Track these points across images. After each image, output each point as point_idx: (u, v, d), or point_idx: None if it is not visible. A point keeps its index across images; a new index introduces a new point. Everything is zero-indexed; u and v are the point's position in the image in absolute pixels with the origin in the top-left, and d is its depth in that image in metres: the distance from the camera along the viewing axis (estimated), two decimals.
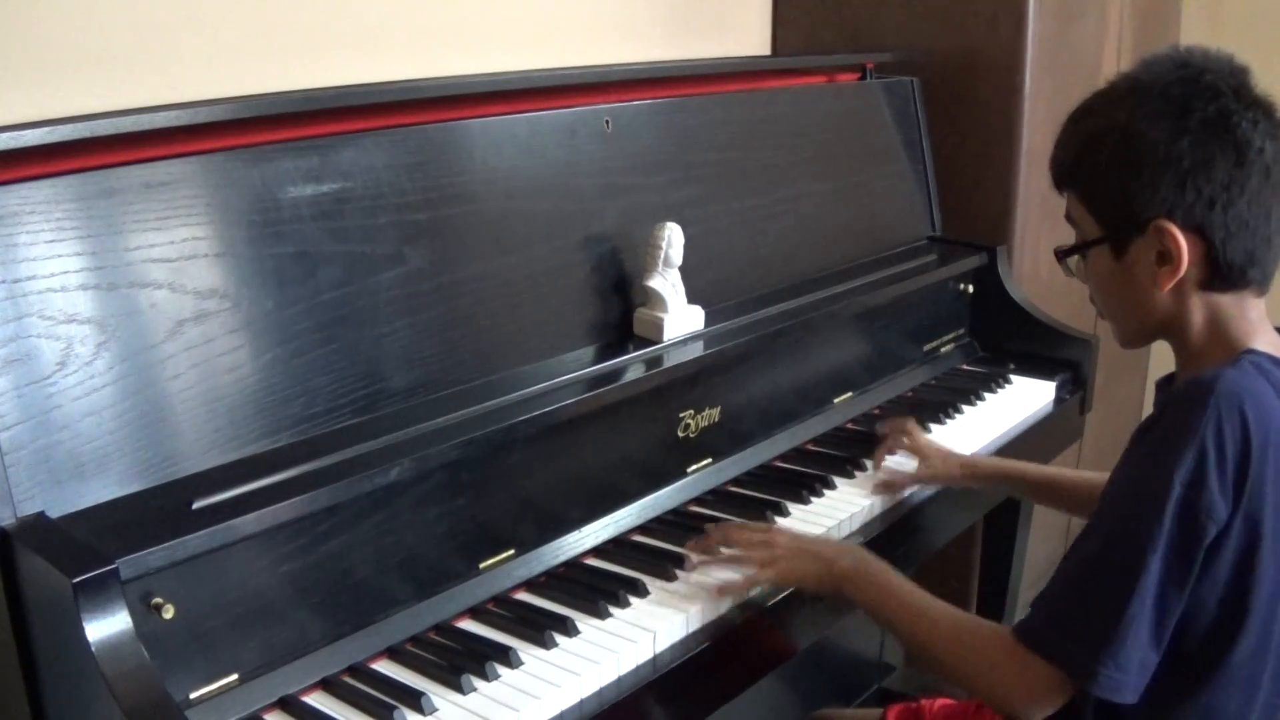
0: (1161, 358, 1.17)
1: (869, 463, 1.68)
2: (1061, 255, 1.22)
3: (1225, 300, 1.12)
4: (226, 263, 1.19)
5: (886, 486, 1.61)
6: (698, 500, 1.56)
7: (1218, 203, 1.07)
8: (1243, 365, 1.08)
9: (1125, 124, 1.10)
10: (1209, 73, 1.09)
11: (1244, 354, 1.10)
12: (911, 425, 1.69)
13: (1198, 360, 1.14)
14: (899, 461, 1.68)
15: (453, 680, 1.13)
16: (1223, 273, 1.10)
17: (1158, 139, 1.08)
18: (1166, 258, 1.10)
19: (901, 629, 1.23)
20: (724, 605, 1.30)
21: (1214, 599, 1.06)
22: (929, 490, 1.65)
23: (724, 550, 1.35)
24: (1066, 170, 1.18)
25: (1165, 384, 1.23)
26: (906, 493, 1.63)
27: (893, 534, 1.55)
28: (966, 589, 2.30)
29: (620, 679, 1.19)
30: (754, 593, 1.33)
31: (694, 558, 1.35)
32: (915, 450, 1.66)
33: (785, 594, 1.34)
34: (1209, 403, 1.03)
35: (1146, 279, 1.12)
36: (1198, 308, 1.12)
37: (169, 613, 1.02)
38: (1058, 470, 1.62)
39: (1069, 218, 1.20)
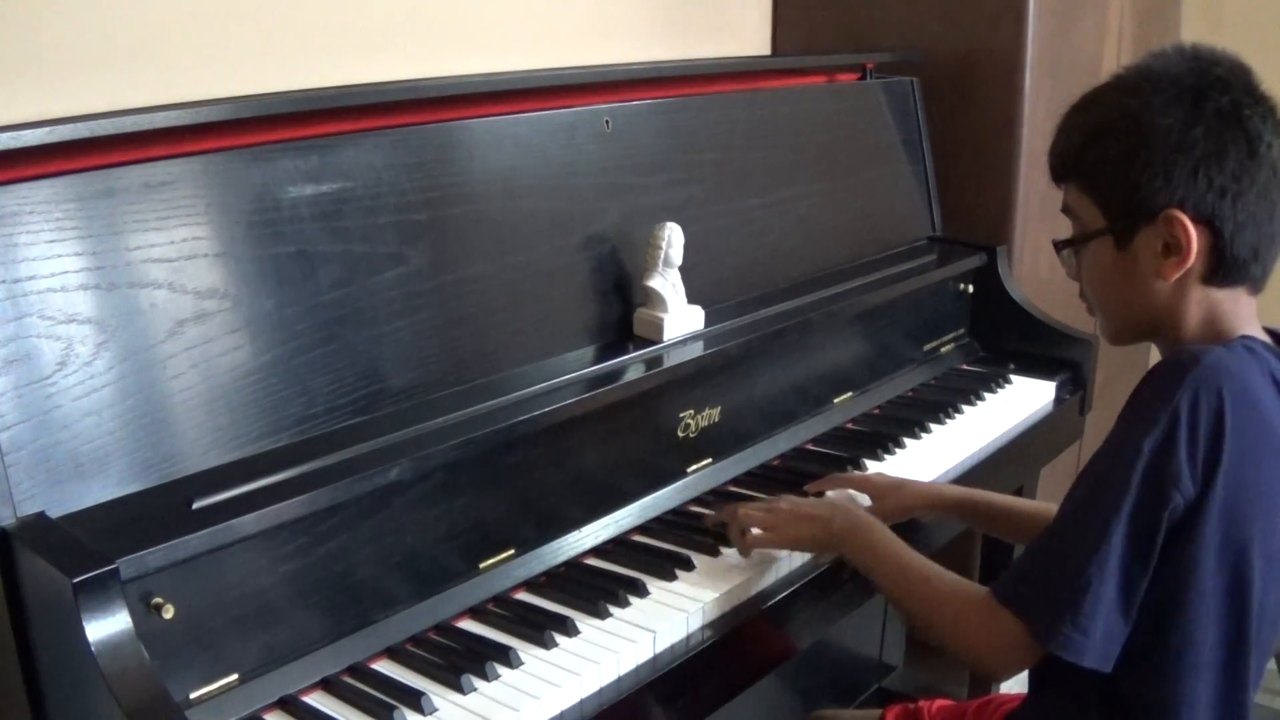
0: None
1: (868, 463, 1.68)
2: (1061, 246, 1.21)
3: (1221, 296, 1.12)
4: (226, 263, 1.19)
5: None
6: (698, 500, 1.56)
7: (1228, 193, 1.07)
8: (1235, 347, 1.08)
9: (1137, 112, 1.10)
10: (1219, 66, 1.10)
11: (1239, 338, 1.10)
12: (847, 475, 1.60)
13: None
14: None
15: (453, 680, 1.13)
16: (1227, 266, 1.10)
17: (1171, 127, 1.07)
18: (1174, 248, 1.09)
19: (885, 583, 1.29)
20: (726, 602, 1.30)
21: (1192, 582, 1.05)
22: None
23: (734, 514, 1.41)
24: (1070, 160, 1.17)
25: None
26: None
27: (894, 533, 1.55)
28: None
29: (620, 679, 1.19)
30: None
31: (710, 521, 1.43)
32: (865, 488, 1.54)
33: (784, 594, 1.35)
34: (1188, 376, 1.03)
35: (1149, 270, 1.12)
36: (1195, 301, 1.12)
37: (169, 613, 1.02)
38: (1019, 500, 1.58)
39: (1066, 210, 1.20)
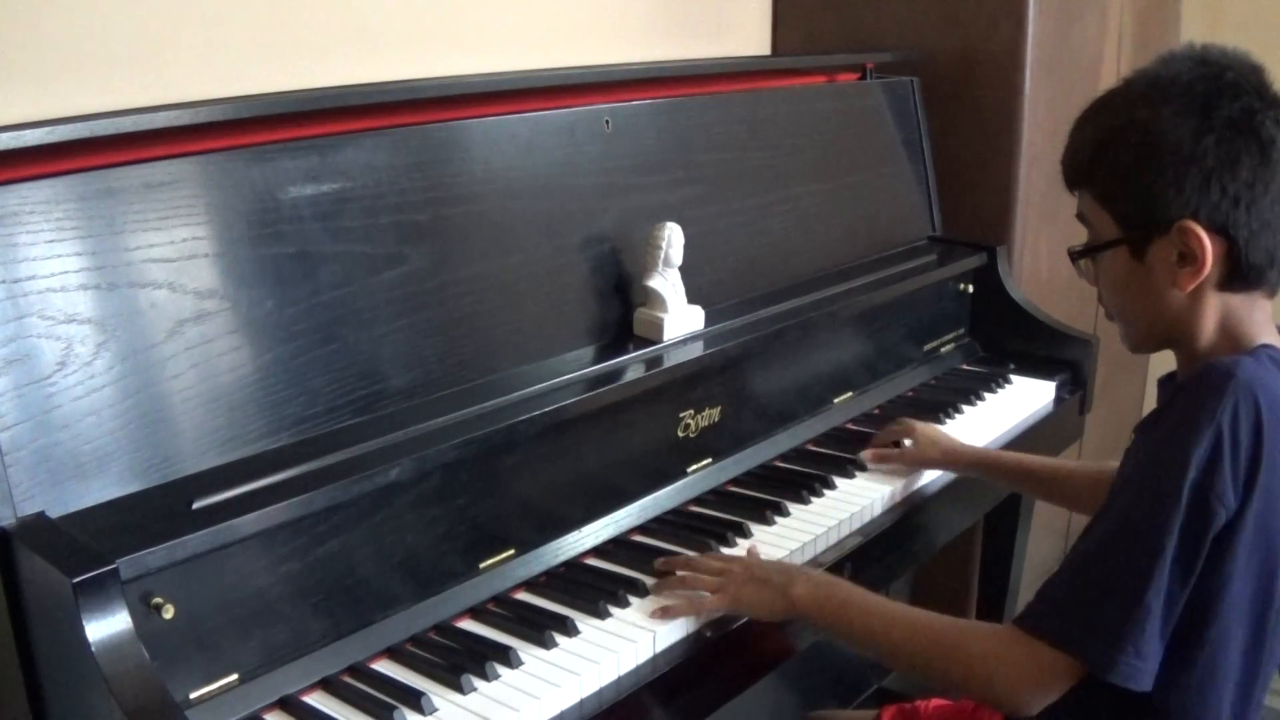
0: (1162, 357, 1.16)
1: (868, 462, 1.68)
2: (1076, 256, 1.19)
3: (1238, 301, 1.11)
4: (226, 263, 1.19)
5: (878, 458, 1.67)
6: (698, 500, 1.56)
7: (1242, 201, 1.06)
8: (1260, 357, 1.07)
9: (1147, 122, 1.08)
10: (1230, 70, 1.08)
11: (1260, 347, 1.09)
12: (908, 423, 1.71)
13: (1205, 360, 1.12)
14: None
15: (453, 680, 1.13)
16: (1243, 273, 1.09)
17: (1181, 137, 1.06)
18: (1189, 258, 1.08)
19: (876, 642, 1.19)
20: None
21: (1223, 597, 1.05)
22: (930, 490, 1.65)
23: (681, 574, 1.31)
24: (1082, 169, 1.16)
25: (1168, 381, 1.21)
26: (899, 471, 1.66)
27: (893, 534, 1.55)
28: (966, 589, 2.30)
29: (620, 679, 1.20)
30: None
31: (651, 582, 1.31)
32: (906, 433, 1.68)
33: None
34: (1227, 389, 1.02)
35: (1165, 279, 1.10)
36: (1212, 308, 1.11)
37: (169, 613, 1.02)
38: (1044, 460, 1.61)
39: (1080, 217, 1.18)
